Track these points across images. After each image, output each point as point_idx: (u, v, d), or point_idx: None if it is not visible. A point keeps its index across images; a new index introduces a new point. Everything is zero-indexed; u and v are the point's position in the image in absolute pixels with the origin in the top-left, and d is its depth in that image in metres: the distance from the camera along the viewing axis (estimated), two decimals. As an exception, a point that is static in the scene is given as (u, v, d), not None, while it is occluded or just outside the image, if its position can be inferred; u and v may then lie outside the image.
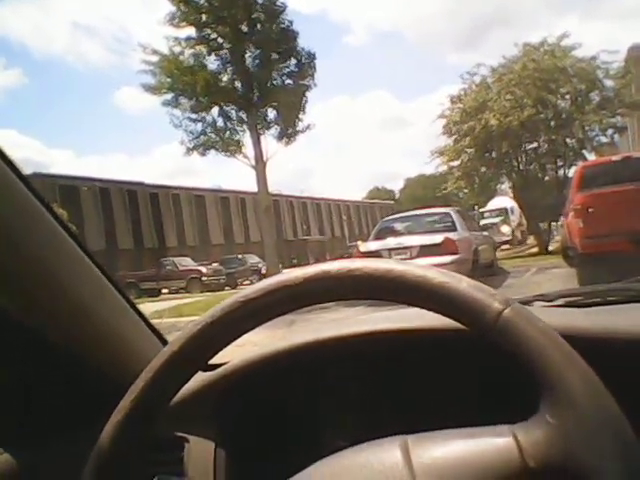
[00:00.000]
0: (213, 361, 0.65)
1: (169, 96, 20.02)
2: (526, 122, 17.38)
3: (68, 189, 29.71)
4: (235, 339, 0.60)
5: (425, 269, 0.55)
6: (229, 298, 0.59)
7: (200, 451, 0.87)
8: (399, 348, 0.83)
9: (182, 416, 0.83)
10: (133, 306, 0.96)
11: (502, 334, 0.51)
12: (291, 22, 20.37)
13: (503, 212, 27.25)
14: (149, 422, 0.60)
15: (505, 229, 25.23)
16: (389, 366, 0.84)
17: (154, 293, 22.72)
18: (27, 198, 0.76)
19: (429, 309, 0.56)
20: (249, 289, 0.59)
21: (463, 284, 0.54)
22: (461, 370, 0.79)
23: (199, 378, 0.86)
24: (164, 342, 0.99)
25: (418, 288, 0.54)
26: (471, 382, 0.79)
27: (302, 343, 0.86)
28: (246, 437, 0.89)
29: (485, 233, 13.77)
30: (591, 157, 17.84)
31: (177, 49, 19.84)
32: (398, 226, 11.29)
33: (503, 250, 20.59)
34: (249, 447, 0.89)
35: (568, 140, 18.46)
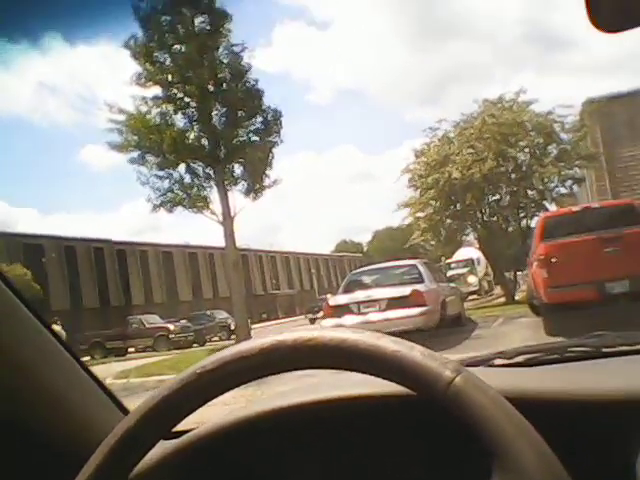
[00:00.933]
0: (178, 428, 0.65)
1: (135, 154, 20.06)
2: (488, 175, 17.80)
3: (32, 248, 29.21)
4: (196, 409, 0.60)
5: (378, 338, 0.57)
6: (186, 370, 0.60)
7: None
8: (359, 414, 0.82)
9: None
10: (90, 374, 0.94)
11: (453, 402, 0.53)
12: (256, 81, 20.76)
13: (470, 263, 27.54)
14: None
15: (472, 279, 25.47)
16: (349, 432, 0.83)
17: (120, 352, 22.18)
18: None
19: (382, 377, 0.57)
20: (206, 360, 0.60)
21: (415, 352, 0.55)
22: (414, 436, 0.79)
23: (161, 447, 0.83)
24: (124, 410, 0.97)
25: (371, 357, 0.56)
26: (424, 448, 0.79)
27: (264, 411, 0.85)
28: None
29: (452, 284, 13.88)
30: (552, 207, 18.29)
31: (144, 108, 19.97)
32: (366, 279, 11.33)
33: (470, 300, 20.74)
34: None
35: (529, 191, 18.91)
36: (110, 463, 0.58)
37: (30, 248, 28.95)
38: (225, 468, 0.87)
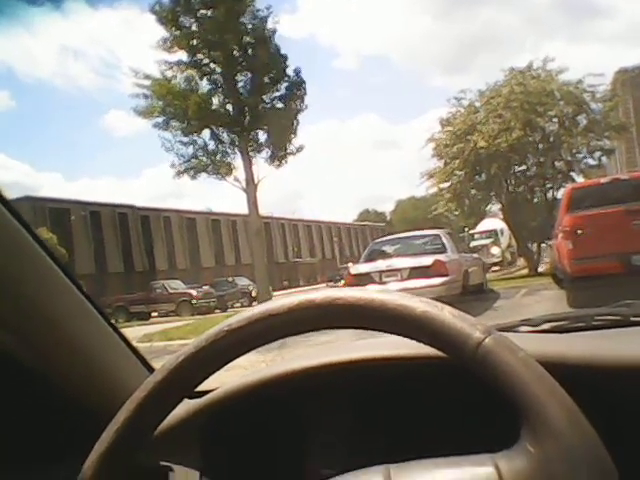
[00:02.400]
0: (200, 388, 0.65)
1: (160, 119, 20.12)
2: (514, 145, 17.53)
3: (58, 212, 29.62)
4: (221, 367, 0.61)
5: (407, 298, 0.56)
6: (214, 327, 0.60)
7: None
8: (385, 376, 0.83)
9: (167, 444, 0.82)
10: (118, 333, 0.95)
11: (482, 364, 0.52)
12: (280, 47, 20.61)
13: (493, 234, 27.35)
14: (133, 452, 0.60)
15: (495, 250, 25.31)
16: (374, 394, 0.84)
17: (144, 316, 22.59)
18: (10, 223, 0.76)
19: (411, 338, 0.56)
20: (234, 318, 0.60)
21: (445, 313, 0.55)
22: (444, 398, 0.80)
23: (185, 405, 0.85)
24: (150, 369, 0.98)
25: (400, 317, 0.55)
26: (454, 410, 0.79)
27: (289, 371, 0.86)
28: (232, 466, 0.88)
29: (475, 255, 13.81)
30: (579, 179, 17.99)
31: (169, 73, 20.00)
32: (388, 248, 11.31)
33: (493, 271, 20.64)
34: (235, 476, 0.88)
35: (556, 162, 18.63)
36: (137, 417, 0.59)
37: (56, 212, 29.36)
38: (248, 427, 0.88)
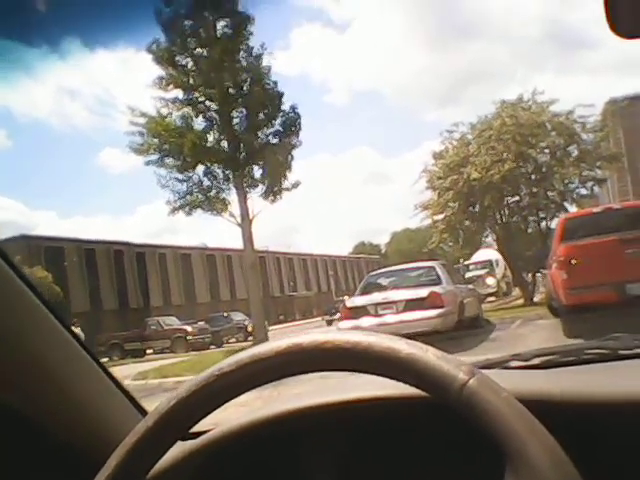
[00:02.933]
0: (196, 428, 0.65)
1: (154, 156, 20.23)
2: (507, 176, 17.67)
3: (53, 251, 29.56)
4: (213, 410, 0.61)
5: (393, 340, 0.57)
6: (205, 371, 0.61)
7: None
8: (375, 416, 0.83)
9: None
10: (109, 375, 0.95)
11: (467, 404, 0.53)
12: (276, 83, 20.85)
13: (488, 264, 27.38)
14: None
15: (490, 281, 25.30)
16: (364, 434, 0.84)
17: (139, 354, 22.38)
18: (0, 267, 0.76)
19: (397, 380, 0.58)
20: (224, 362, 0.61)
21: (429, 355, 0.56)
22: (430, 437, 0.80)
23: (180, 447, 0.85)
24: (142, 411, 0.98)
25: (385, 360, 0.56)
26: (440, 449, 0.80)
27: (284, 411, 0.86)
28: None
29: (470, 286, 13.80)
30: (572, 209, 18.12)
31: (164, 111, 20.17)
32: (384, 281, 11.30)
33: (489, 302, 20.61)
34: None
35: (549, 193, 18.75)
36: (129, 462, 0.59)
37: (51, 251, 29.30)
38: (243, 469, 0.87)
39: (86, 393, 0.89)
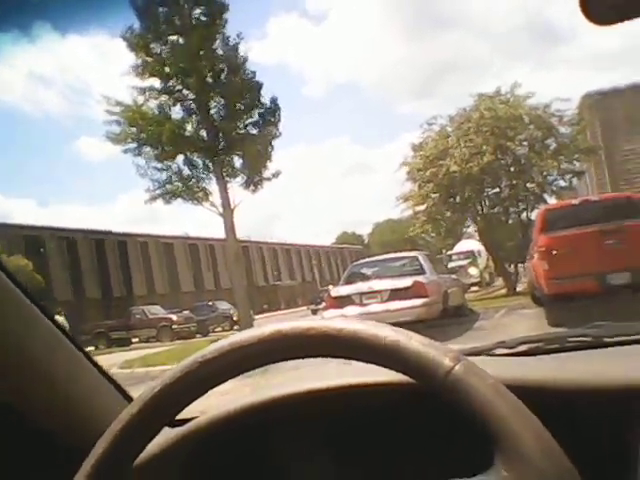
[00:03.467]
0: (182, 415, 0.66)
1: (132, 145, 20.00)
2: (486, 168, 17.74)
3: (33, 239, 29.22)
4: (197, 397, 0.61)
5: (377, 327, 0.57)
6: (188, 358, 0.61)
7: None
8: (362, 403, 0.84)
9: (147, 474, 0.80)
10: (94, 363, 0.94)
11: (453, 391, 0.54)
12: (254, 73, 20.68)
13: (470, 255, 27.52)
14: None
15: (473, 271, 25.46)
16: (350, 420, 0.84)
17: (124, 342, 22.25)
18: None
19: (382, 366, 0.58)
20: (207, 349, 0.61)
21: (413, 342, 0.56)
22: (416, 424, 0.80)
23: (166, 434, 0.84)
24: (128, 398, 0.98)
25: (370, 346, 0.56)
26: (427, 436, 0.80)
27: (269, 398, 0.86)
28: None
29: (453, 276, 13.89)
30: (552, 200, 18.26)
31: (141, 99, 19.92)
32: (368, 270, 11.33)
33: (472, 292, 20.74)
34: None
35: (529, 184, 18.85)
36: (115, 450, 0.59)
37: (31, 239, 28.97)
38: (230, 456, 0.88)
39: (71, 381, 0.88)
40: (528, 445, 0.50)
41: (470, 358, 0.58)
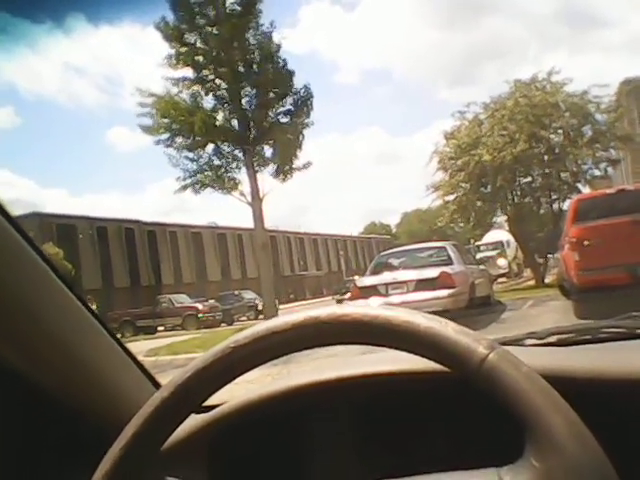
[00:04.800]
0: (207, 403, 0.65)
1: (164, 136, 20.20)
2: (520, 157, 17.54)
3: (65, 228, 29.75)
4: (227, 383, 0.61)
5: (412, 314, 0.57)
6: (220, 343, 0.60)
7: None
8: (390, 391, 0.83)
9: (173, 459, 0.83)
10: (124, 348, 0.95)
11: (486, 379, 0.53)
12: (286, 62, 20.70)
13: (499, 245, 27.30)
14: (141, 468, 0.60)
15: (501, 262, 25.25)
16: (379, 409, 0.84)
17: (150, 331, 22.60)
18: (14, 240, 0.76)
19: (416, 354, 0.57)
20: (240, 334, 0.60)
21: (448, 329, 0.55)
22: (448, 412, 0.80)
23: (192, 420, 0.86)
24: (156, 385, 0.99)
25: (404, 333, 0.56)
26: (458, 424, 0.80)
27: (294, 386, 0.86)
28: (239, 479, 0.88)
29: (481, 267, 13.78)
30: (585, 190, 17.97)
31: (174, 90, 20.10)
32: (394, 261, 11.30)
33: (500, 283, 20.59)
34: None
35: (562, 174, 18.62)
36: (145, 432, 0.59)
37: (63, 228, 29.49)
38: (254, 443, 0.88)
39: (102, 365, 0.90)
40: (561, 435, 0.49)
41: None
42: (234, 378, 0.61)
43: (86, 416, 0.87)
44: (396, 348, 0.57)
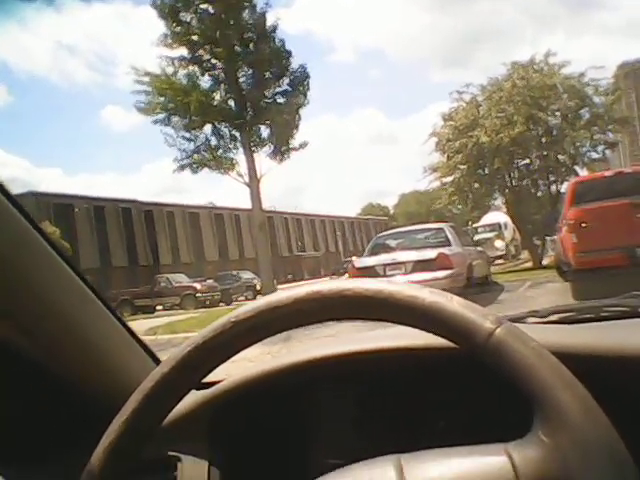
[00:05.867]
0: (207, 379, 0.66)
1: (161, 115, 20.08)
2: (517, 139, 17.48)
3: (62, 207, 29.65)
4: (228, 359, 0.60)
5: (416, 289, 0.56)
6: (221, 318, 0.59)
7: (193, 471, 0.86)
8: (393, 366, 0.83)
9: (174, 435, 0.83)
10: (125, 325, 0.95)
11: (494, 353, 0.52)
12: (283, 41, 20.52)
13: (497, 227, 27.31)
14: (141, 443, 0.60)
15: (499, 244, 25.26)
16: (383, 385, 0.84)
17: (149, 310, 22.65)
18: (14, 218, 0.76)
19: (420, 328, 0.56)
20: (241, 309, 0.59)
21: (454, 303, 0.54)
22: (454, 388, 0.79)
23: (192, 396, 0.86)
24: (157, 361, 0.99)
25: (409, 308, 0.55)
26: (465, 400, 0.79)
27: (296, 361, 0.86)
28: (240, 456, 0.89)
29: (479, 248, 13.79)
30: (583, 173, 17.95)
31: (170, 69, 19.94)
32: (392, 242, 11.29)
33: (497, 265, 20.61)
34: (243, 466, 0.88)
35: (560, 156, 18.55)
36: (145, 409, 0.59)
37: (59, 207, 29.40)
38: (256, 418, 0.88)
39: (101, 340, 0.89)
40: (570, 410, 0.49)
41: None
42: (234, 353, 0.60)
43: (88, 392, 0.88)
44: (400, 323, 0.57)
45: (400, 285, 0.57)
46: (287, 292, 0.59)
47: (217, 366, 0.61)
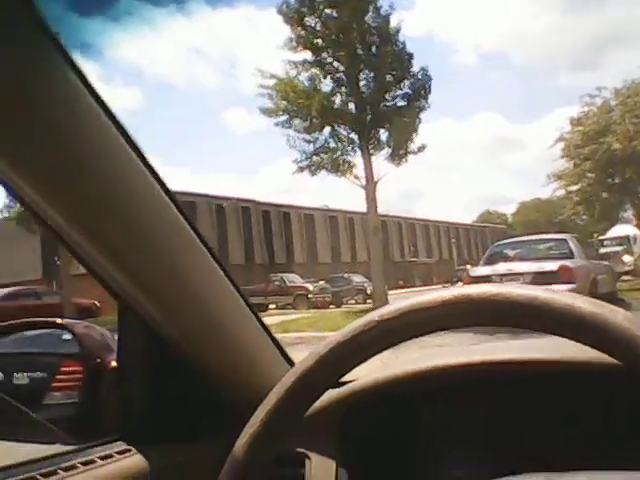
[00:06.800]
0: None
1: (283, 118, 20.62)
2: (654, 147, 16.39)
3: (185, 205, 31.10)
4: (367, 359, 0.59)
5: (573, 297, 0.52)
6: (362, 317, 0.58)
7: (321, 469, 0.86)
8: (532, 378, 0.79)
9: (305, 432, 0.83)
10: (264, 326, 0.98)
11: None
12: (404, 44, 20.46)
13: (625, 241, 25.70)
14: (284, 434, 0.60)
15: (627, 259, 23.76)
16: (519, 396, 0.81)
17: (262, 308, 23.25)
18: (172, 214, 0.82)
19: (576, 340, 0.52)
20: (384, 309, 0.58)
21: (619, 316, 0.50)
22: (604, 405, 0.75)
23: (327, 394, 0.86)
24: (289, 362, 1.01)
25: (567, 317, 0.51)
26: (614, 419, 0.74)
27: (432, 367, 0.85)
28: (367, 459, 0.88)
29: (605, 262, 13.04)
30: None
31: (293, 72, 20.45)
32: (510, 251, 10.94)
33: (624, 281, 19.41)
34: (370, 468, 0.87)
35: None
36: (288, 401, 0.59)
37: (183, 205, 30.87)
38: (384, 420, 0.88)
39: (244, 338, 0.93)
40: None
41: None
42: (376, 353, 0.59)
43: (230, 385, 0.91)
44: (553, 333, 0.53)
45: (554, 292, 0.53)
46: (434, 293, 0.57)
47: (357, 365, 0.60)
